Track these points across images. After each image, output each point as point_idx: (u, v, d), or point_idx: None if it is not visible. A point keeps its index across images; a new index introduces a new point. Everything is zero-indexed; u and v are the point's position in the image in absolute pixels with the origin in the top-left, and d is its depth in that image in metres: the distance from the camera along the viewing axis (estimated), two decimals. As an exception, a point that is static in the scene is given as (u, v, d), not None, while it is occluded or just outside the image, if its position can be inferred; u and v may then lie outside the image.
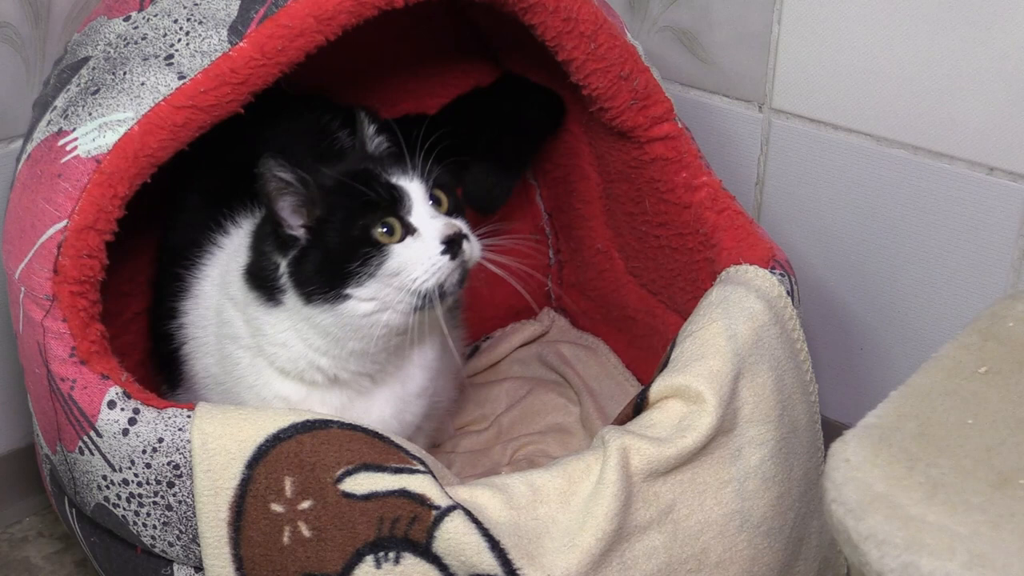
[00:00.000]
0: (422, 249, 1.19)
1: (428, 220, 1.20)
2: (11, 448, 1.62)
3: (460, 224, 1.22)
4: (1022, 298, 1.13)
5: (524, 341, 1.75)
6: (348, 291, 1.19)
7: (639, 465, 1.16)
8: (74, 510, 1.30)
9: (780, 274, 1.32)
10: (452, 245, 1.19)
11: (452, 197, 1.25)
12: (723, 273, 1.35)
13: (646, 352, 1.61)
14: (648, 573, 1.16)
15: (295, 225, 1.21)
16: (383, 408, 1.30)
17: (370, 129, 1.30)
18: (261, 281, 1.24)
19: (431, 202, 1.22)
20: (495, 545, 1.10)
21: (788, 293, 1.31)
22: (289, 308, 1.23)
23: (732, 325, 1.24)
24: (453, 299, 1.24)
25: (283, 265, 1.22)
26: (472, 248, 1.22)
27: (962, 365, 1.05)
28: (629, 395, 1.48)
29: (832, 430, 1.01)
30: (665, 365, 1.25)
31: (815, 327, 1.57)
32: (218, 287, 1.31)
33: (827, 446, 1.00)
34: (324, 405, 1.27)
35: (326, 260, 1.19)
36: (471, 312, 1.56)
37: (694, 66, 1.64)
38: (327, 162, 1.30)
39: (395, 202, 1.20)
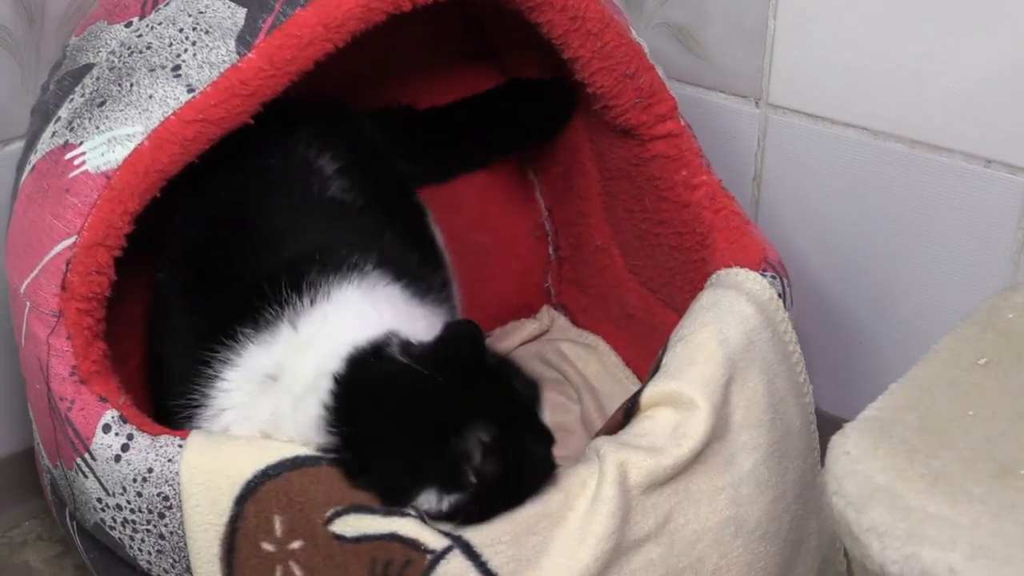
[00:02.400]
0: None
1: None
2: (10, 452, 1.61)
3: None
4: (1021, 290, 1.13)
5: (524, 339, 1.74)
6: None
7: (638, 479, 1.15)
8: (75, 523, 1.29)
9: (772, 276, 1.32)
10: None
11: None
12: (713, 276, 1.34)
13: (646, 350, 1.60)
14: (647, 586, 1.15)
15: (467, 475, 1.11)
16: None
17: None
18: (388, 491, 1.12)
19: None
20: None
21: (780, 295, 1.31)
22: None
23: (723, 329, 1.24)
24: None
25: (445, 503, 1.11)
26: None
27: (962, 357, 1.05)
28: (629, 393, 1.47)
29: (831, 425, 1.01)
30: (656, 370, 1.24)
31: (813, 322, 1.57)
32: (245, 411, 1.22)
33: (827, 441, 0.99)
34: None
35: (498, 500, 1.13)
36: (470, 310, 1.56)
37: (690, 62, 1.63)
38: (312, 217, 1.29)
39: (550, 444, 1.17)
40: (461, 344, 1.15)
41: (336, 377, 1.15)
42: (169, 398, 1.25)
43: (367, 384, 1.15)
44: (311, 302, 1.22)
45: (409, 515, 1.11)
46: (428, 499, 1.11)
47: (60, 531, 1.57)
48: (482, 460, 1.10)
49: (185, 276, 1.33)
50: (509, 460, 1.11)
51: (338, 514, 1.11)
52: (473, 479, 1.10)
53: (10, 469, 1.61)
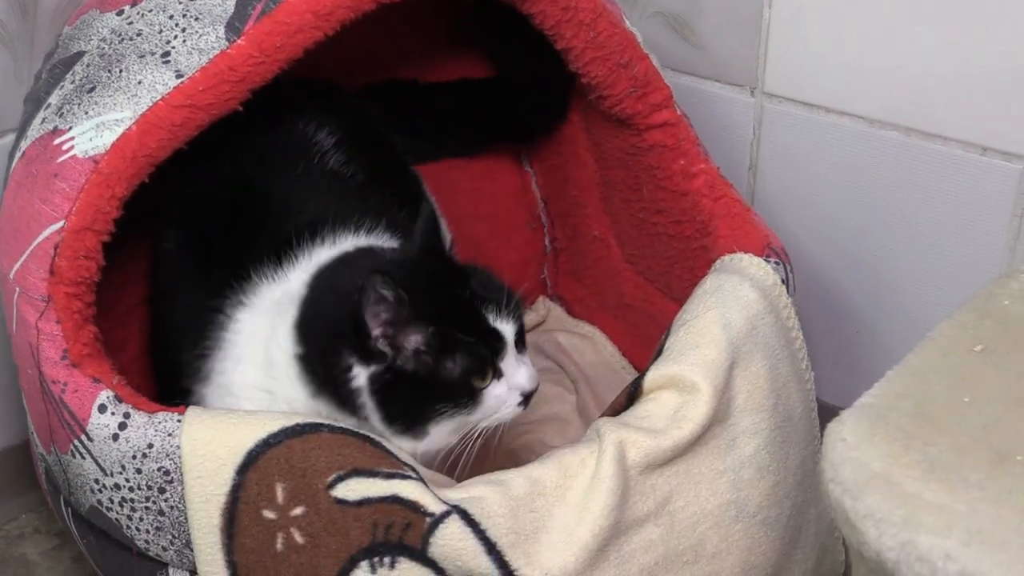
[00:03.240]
0: (503, 396, 1.21)
1: (514, 367, 1.21)
2: (7, 445, 1.62)
3: (534, 370, 1.23)
4: (1017, 276, 1.13)
5: (521, 330, 1.75)
6: (430, 427, 1.19)
7: (636, 458, 1.15)
8: (69, 509, 1.29)
9: (775, 262, 1.32)
10: (529, 396, 1.22)
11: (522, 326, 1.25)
12: (717, 262, 1.34)
13: (643, 340, 1.60)
14: (645, 566, 1.15)
15: (384, 342, 1.17)
16: None
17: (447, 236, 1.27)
18: (327, 379, 1.20)
19: (518, 337, 1.22)
20: (492, 548, 1.10)
21: (783, 281, 1.31)
22: (370, 422, 1.20)
23: (727, 314, 1.24)
24: None
25: (363, 376, 1.18)
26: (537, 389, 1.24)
27: (958, 344, 1.04)
28: (626, 383, 1.47)
29: (829, 413, 1.01)
30: (659, 354, 1.25)
31: (810, 311, 1.57)
32: (254, 372, 1.26)
33: (825, 429, 0.99)
34: None
35: (417, 391, 1.18)
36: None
37: (685, 52, 1.63)
38: (318, 186, 1.32)
39: (496, 352, 1.19)
40: (422, 227, 1.22)
41: (307, 283, 1.23)
42: (186, 350, 1.30)
43: (327, 276, 1.23)
44: (318, 247, 1.28)
45: (411, 477, 1.12)
46: (356, 367, 1.16)
47: (57, 524, 1.57)
48: (388, 327, 1.15)
49: (195, 246, 1.36)
50: (418, 340, 1.15)
51: (340, 478, 1.12)
52: (386, 349, 1.16)
53: (7, 463, 1.61)
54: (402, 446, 1.19)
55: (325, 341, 1.20)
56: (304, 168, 1.39)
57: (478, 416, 1.20)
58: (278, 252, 1.28)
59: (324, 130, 1.42)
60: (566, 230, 1.71)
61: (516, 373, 1.21)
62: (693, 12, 1.61)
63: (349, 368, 1.18)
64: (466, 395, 1.18)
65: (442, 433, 1.20)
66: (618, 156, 1.51)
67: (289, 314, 1.23)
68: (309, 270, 1.26)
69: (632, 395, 1.23)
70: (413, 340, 1.17)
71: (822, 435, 0.98)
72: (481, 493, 1.13)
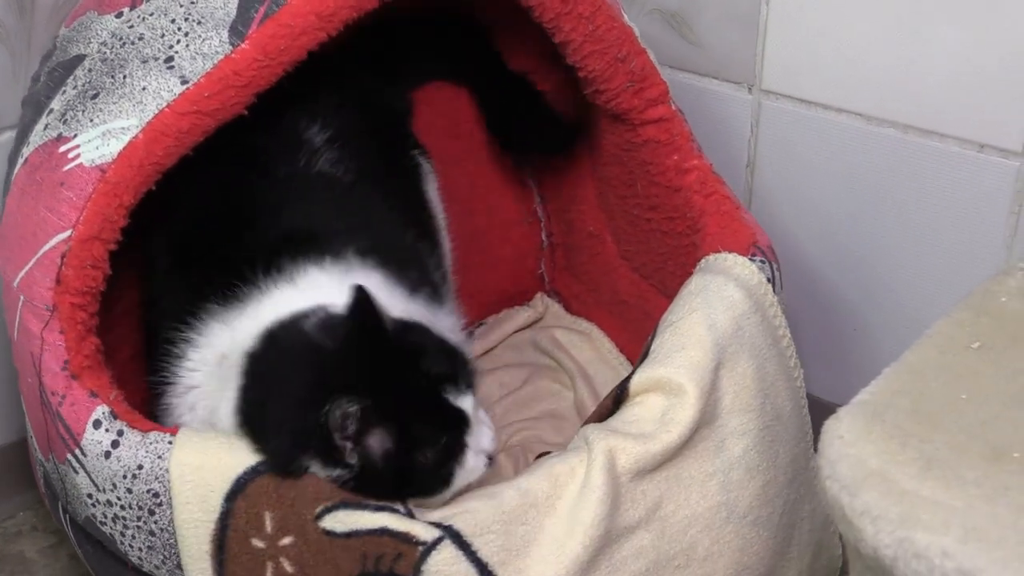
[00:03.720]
0: (475, 464, 1.16)
1: (477, 434, 1.16)
2: (4, 442, 1.61)
3: (492, 427, 1.19)
4: (1014, 273, 1.13)
5: (518, 327, 1.75)
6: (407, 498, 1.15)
7: (626, 465, 1.15)
8: (68, 516, 1.29)
9: (761, 261, 1.32)
10: (493, 458, 1.18)
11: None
12: (702, 262, 1.34)
13: (639, 336, 1.60)
14: (637, 572, 1.15)
15: (351, 450, 1.11)
16: None
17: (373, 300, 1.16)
18: (276, 459, 1.13)
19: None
20: (484, 569, 1.09)
21: (769, 280, 1.31)
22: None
23: (712, 315, 1.24)
24: None
25: (326, 475, 1.12)
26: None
27: (955, 341, 1.05)
28: (623, 379, 1.47)
29: (825, 411, 1.01)
30: (646, 356, 1.24)
31: (806, 308, 1.57)
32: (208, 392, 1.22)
33: (821, 427, 0.99)
34: None
35: (387, 486, 1.13)
36: (464, 299, 1.56)
37: (683, 48, 1.63)
38: (296, 194, 1.28)
39: (463, 431, 1.15)
40: (356, 311, 1.13)
41: (249, 354, 1.16)
42: (151, 373, 1.26)
43: (268, 357, 1.15)
44: (276, 285, 1.21)
45: (398, 511, 1.11)
46: (316, 469, 1.12)
47: (54, 522, 1.57)
48: (356, 437, 1.10)
49: (172, 255, 1.33)
50: (387, 442, 1.11)
51: (328, 510, 1.11)
52: (353, 459, 1.11)
53: (5, 460, 1.61)
54: None
55: (279, 444, 1.13)
56: (286, 172, 1.34)
57: (451, 492, 1.15)
58: (237, 280, 1.21)
59: (315, 126, 1.38)
60: (562, 226, 1.71)
61: (480, 439, 1.16)
62: (691, 9, 1.61)
63: (307, 468, 1.12)
64: (439, 482, 1.14)
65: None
66: (613, 152, 1.51)
67: (231, 385, 1.16)
68: (258, 324, 1.17)
69: (618, 399, 1.22)
70: (381, 444, 1.11)
71: (816, 432, 0.98)
72: (474, 507, 1.12)
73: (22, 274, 1.24)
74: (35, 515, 1.64)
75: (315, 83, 1.37)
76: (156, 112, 1.21)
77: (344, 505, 1.11)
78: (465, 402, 1.16)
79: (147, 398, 1.26)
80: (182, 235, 1.33)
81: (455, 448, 1.14)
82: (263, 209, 1.30)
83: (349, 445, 1.10)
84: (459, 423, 1.15)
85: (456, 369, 1.16)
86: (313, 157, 1.36)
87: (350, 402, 1.08)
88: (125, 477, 1.16)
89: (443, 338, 1.20)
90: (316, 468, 1.12)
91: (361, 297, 1.12)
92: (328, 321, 1.15)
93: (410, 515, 1.11)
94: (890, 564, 0.86)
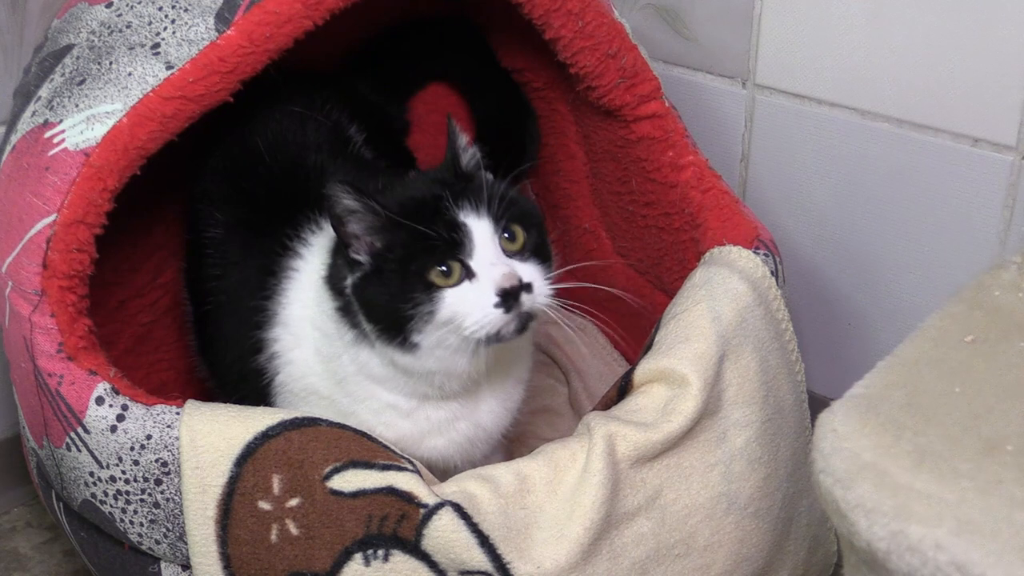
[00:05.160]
0: (475, 299, 1.13)
1: (488, 265, 1.13)
2: (-2, 438, 1.61)
3: (523, 271, 1.14)
4: (1008, 267, 1.13)
5: (512, 323, 1.74)
6: (414, 339, 1.15)
7: (625, 451, 1.15)
8: (61, 504, 1.29)
9: (764, 254, 1.32)
10: (507, 298, 1.12)
11: (532, 233, 1.17)
12: (707, 254, 1.35)
13: (634, 332, 1.60)
14: (637, 559, 1.16)
15: (360, 250, 1.16)
16: (492, 405, 1.28)
17: (462, 140, 1.21)
18: (337, 292, 1.20)
19: (505, 236, 1.15)
20: (484, 541, 1.10)
21: (772, 273, 1.31)
22: (377, 350, 1.19)
23: (716, 307, 1.24)
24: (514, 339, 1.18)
25: (349, 284, 1.18)
26: (534, 299, 1.14)
27: (948, 334, 1.04)
28: (618, 375, 1.47)
29: (820, 404, 1.01)
30: (649, 347, 1.25)
31: (801, 302, 1.57)
32: (310, 310, 1.26)
33: (815, 420, 0.99)
34: (439, 410, 1.24)
35: (386, 298, 1.15)
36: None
37: (677, 43, 1.63)
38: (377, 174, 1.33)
39: (456, 244, 1.13)
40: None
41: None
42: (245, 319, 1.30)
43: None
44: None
45: (407, 469, 1.12)
46: (347, 284, 1.18)
47: (49, 518, 1.57)
48: (362, 234, 1.15)
49: (243, 224, 1.37)
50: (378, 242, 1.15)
51: (337, 470, 1.12)
52: (361, 255, 1.16)
53: (-2, 455, 1.61)
54: (406, 363, 1.17)
55: (333, 268, 1.21)
56: (333, 149, 1.41)
57: (449, 317, 1.13)
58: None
59: (354, 126, 1.45)
60: (557, 222, 1.71)
61: (490, 271, 1.13)
62: (685, 4, 1.61)
63: (346, 280, 1.18)
64: (424, 297, 1.13)
65: (433, 348, 1.16)
66: (607, 148, 1.51)
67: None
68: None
69: (623, 389, 1.23)
70: (378, 242, 1.15)
71: (813, 426, 0.98)
72: (472, 490, 1.13)
73: (9, 260, 1.25)
74: (29, 511, 1.64)
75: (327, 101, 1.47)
76: (140, 96, 1.22)
77: (353, 464, 1.12)
78: (473, 221, 1.14)
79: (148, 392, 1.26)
80: (248, 204, 1.38)
81: (445, 258, 1.13)
82: (320, 172, 1.37)
83: (354, 242, 1.16)
84: (459, 238, 1.14)
85: (480, 193, 1.15)
86: (358, 148, 1.43)
87: (345, 192, 1.13)
88: (132, 449, 1.17)
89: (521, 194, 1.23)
90: (347, 276, 1.18)
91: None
92: None
93: (418, 473, 1.12)
94: (883, 557, 0.86)
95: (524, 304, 1.13)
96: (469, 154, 1.21)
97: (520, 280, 1.13)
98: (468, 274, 1.13)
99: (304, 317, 1.26)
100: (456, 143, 1.20)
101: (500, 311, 1.13)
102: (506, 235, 1.16)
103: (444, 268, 1.13)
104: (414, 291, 1.13)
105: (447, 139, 1.21)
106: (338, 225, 1.15)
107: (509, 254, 1.15)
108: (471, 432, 1.27)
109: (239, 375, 1.33)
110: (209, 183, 1.42)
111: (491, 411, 1.28)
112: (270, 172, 1.38)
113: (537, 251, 1.17)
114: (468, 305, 1.13)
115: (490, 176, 1.21)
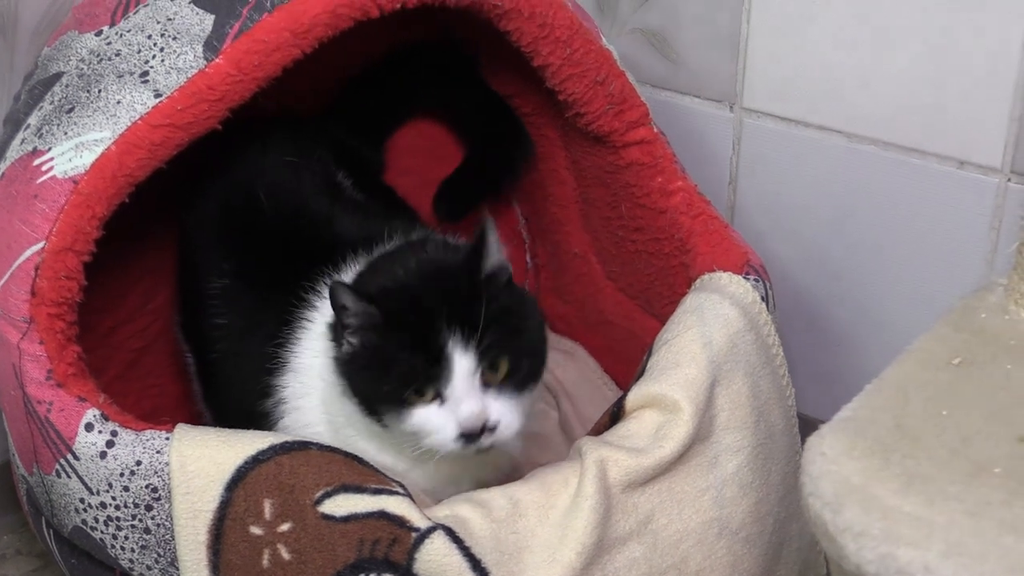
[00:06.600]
0: (440, 424, 1.15)
1: (459, 399, 1.14)
2: (-13, 466, 1.61)
3: (495, 408, 1.15)
4: (994, 290, 1.14)
5: (503, 347, 1.74)
6: (386, 423, 1.17)
7: (617, 476, 1.15)
8: (52, 531, 1.29)
9: (755, 280, 1.32)
10: (470, 436, 1.15)
11: (522, 363, 1.17)
12: (697, 280, 1.35)
13: (625, 356, 1.61)
14: (630, 584, 1.15)
15: (353, 337, 1.18)
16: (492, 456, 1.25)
17: (494, 244, 1.20)
18: (337, 344, 1.22)
19: (488, 367, 1.16)
20: (476, 565, 1.10)
21: (763, 299, 1.32)
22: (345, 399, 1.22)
23: (707, 332, 1.24)
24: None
25: (337, 356, 1.21)
26: (496, 437, 1.16)
27: (936, 357, 1.05)
28: (608, 399, 1.48)
29: (809, 427, 1.01)
30: (642, 374, 1.25)
31: (790, 324, 1.58)
32: (320, 359, 1.27)
33: (804, 443, 1.00)
34: (438, 471, 1.23)
35: (364, 385, 1.18)
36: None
37: (664, 67, 1.64)
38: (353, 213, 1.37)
39: (435, 375, 1.14)
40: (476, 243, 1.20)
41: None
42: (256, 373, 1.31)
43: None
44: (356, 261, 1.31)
45: (398, 493, 1.12)
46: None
47: (39, 545, 1.56)
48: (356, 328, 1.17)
49: (251, 273, 1.38)
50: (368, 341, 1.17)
51: (328, 495, 1.12)
52: (351, 340, 1.18)
53: (-13, 484, 1.61)
54: (381, 431, 1.20)
55: (335, 322, 1.21)
56: (330, 195, 1.43)
57: (413, 431, 1.15)
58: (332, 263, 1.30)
59: (341, 172, 1.47)
60: (547, 246, 1.72)
61: (459, 408, 1.14)
62: (672, 28, 1.61)
63: (342, 344, 1.19)
64: (394, 408, 1.15)
65: (404, 437, 1.18)
66: (596, 174, 1.52)
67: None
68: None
69: (615, 415, 1.23)
70: (368, 342, 1.17)
71: (803, 449, 0.98)
72: (464, 514, 1.13)
73: (-2, 287, 1.25)
74: (19, 539, 1.63)
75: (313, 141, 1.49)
76: (129, 124, 1.22)
77: (344, 489, 1.12)
78: (459, 355, 1.14)
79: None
80: (254, 254, 1.39)
81: (420, 384, 1.14)
82: (330, 226, 1.38)
83: (345, 332, 1.18)
84: (440, 368, 1.14)
85: (475, 330, 1.15)
86: (348, 193, 1.45)
87: (346, 294, 1.15)
88: (122, 475, 1.16)
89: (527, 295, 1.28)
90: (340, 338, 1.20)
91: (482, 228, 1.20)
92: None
93: (409, 497, 1.12)
94: (873, 580, 0.86)
95: (484, 443, 1.16)
96: (497, 261, 1.21)
97: (486, 422, 1.15)
98: (440, 399, 1.15)
99: (314, 366, 1.27)
100: (488, 245, 1.19)
101: (460, 443, 1.15)
102: (490, 368, 1.16)
103: (418, 391, 1.15)
104: (388, 398, 1.16)
105: (478, 235, 1.19)
106: (336, 311, 1.18)
107: (487, 385, 1.16)
108: (476, 485, 1.25)
109: (244, 417, 1.32)
110: (209, 233, 1.42)
111: (491, 462, 1.27)
112: (274, 221, 1.39)
113: (520, 382, 1.18)
114: (431, 426, 1.15)
115: (507, 268, 1.22)
